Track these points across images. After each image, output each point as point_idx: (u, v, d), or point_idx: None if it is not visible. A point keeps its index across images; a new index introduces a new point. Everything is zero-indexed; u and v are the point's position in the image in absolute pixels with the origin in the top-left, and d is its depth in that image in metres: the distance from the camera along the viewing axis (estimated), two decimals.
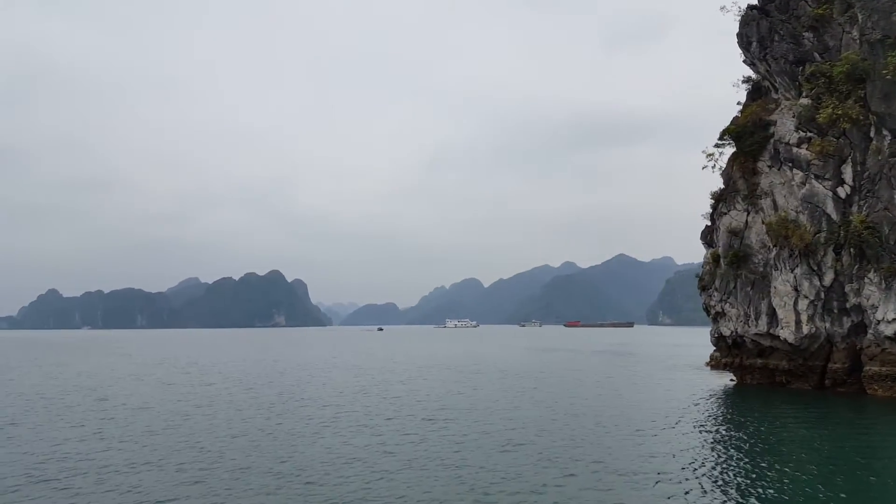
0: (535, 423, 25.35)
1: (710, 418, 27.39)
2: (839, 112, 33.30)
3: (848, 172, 33.54)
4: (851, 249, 33.01)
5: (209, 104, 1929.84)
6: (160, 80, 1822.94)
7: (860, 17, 34.30)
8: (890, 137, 32.05)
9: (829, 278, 33.78)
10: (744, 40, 39.31)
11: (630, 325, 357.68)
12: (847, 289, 33.30)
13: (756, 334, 37.54)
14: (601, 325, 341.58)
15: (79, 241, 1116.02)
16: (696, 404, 31.65)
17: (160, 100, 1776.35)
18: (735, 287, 39.17)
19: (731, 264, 38.98)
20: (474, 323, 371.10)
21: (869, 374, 32.24)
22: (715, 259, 41.13)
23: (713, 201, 41.88)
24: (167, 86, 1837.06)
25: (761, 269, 37.39)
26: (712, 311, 41.69)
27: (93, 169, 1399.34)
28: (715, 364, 53.89)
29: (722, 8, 40.18)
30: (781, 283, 35.51)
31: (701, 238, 43.99)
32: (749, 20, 39.00)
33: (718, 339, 42.04)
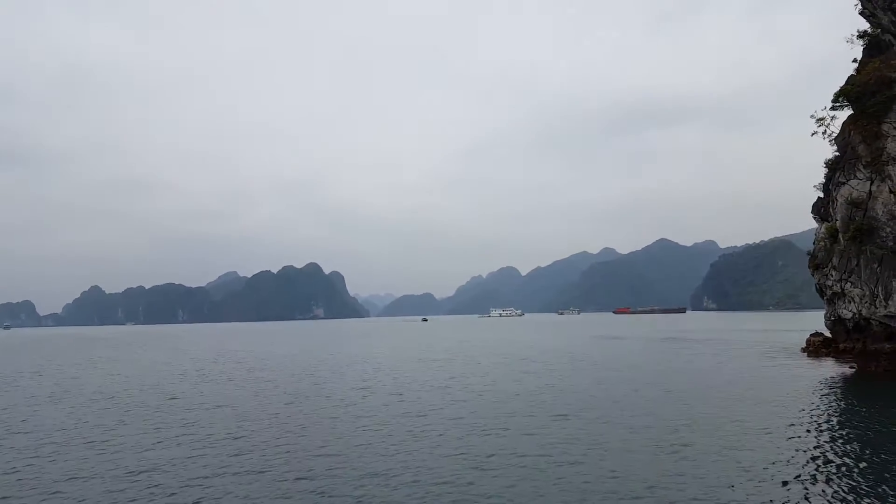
0: (672, 420, 22.31)
1: (845, 412, 23.68)
2: None
3: None
4: None
5: (244, 103, 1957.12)
6: (195, 80, 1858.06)
7: None
8: None
9: None
10: None
11: (682, 310, 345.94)
12: None
13: (886, 316, 33.68)
14: (652, 312, 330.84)
15: (120, 240, 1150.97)
16: (824, 396, 27.63)
17: (197, 100, 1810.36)
18: (858, 264, 35.28)
19: (853, 239, 35.09)
20: (519, 312, 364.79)
21: None
22: (831, 234, 37.24)
23: (827, 170, 37.88)
24: (202, 86, 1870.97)
25: (891, 243, 33.43)
26: (828, 292, 37.86)
27: (134, 170, 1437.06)
28: (813, 350, 49.84)
29: None
30: None
31: (812, 211, 40.07)
32: None
33: (835, 323, 38.18)
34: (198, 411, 26.71)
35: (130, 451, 19.15)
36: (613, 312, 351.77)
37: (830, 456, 16.90)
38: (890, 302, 33.18)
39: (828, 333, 52.18)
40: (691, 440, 18.88)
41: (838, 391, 29.74)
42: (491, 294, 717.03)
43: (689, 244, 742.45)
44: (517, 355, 55.35)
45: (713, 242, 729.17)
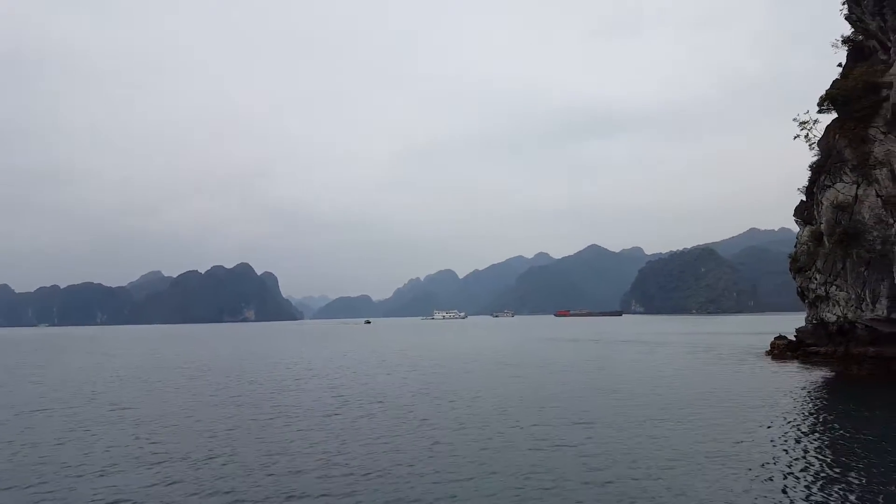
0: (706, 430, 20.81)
1: (834, 417, 23.28)
2: None
3: None
4: None
5: (179, 93, 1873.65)
6: (126, 64, 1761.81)
7: None
8: None
9: None
10: None
11: (619, 313, 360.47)
12: None
13: (872, 319, 33.81)
14: (590, 314, 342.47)
15: (32, 234, 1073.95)
16: (811, 401, 27.41)
17: (128, 85, 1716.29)
18: (844, 268, 35.37)
19: (839, 243, 35.12)
20: (463, 314, 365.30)
21: None
22: (815, 237, 37.28)
23: (810, 174, 37.96)
24: (134, 70, 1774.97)
25: (878, 247, 33.59)
26: (811, 296, 37.90)
27: (48, 158, 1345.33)
28: (779, 354, 50.46)
29: None
30: None
31: (795, 214, 40.13)
32: None
33: (817, 327, 38.26)
34: (153, 425, 23.13)
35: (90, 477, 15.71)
36: (555, 315, 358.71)
37: (832, 458, 16.91)
38: (877, 305, 33.30)
39: (791, 336, 53.08)
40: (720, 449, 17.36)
41: (831, 394, 29.53)
42: (429, 297, 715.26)
43: (617, 250, 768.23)
44: (490, 360, 53.53)
45: (640, 249, 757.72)
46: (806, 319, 39.55)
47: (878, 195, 33.89)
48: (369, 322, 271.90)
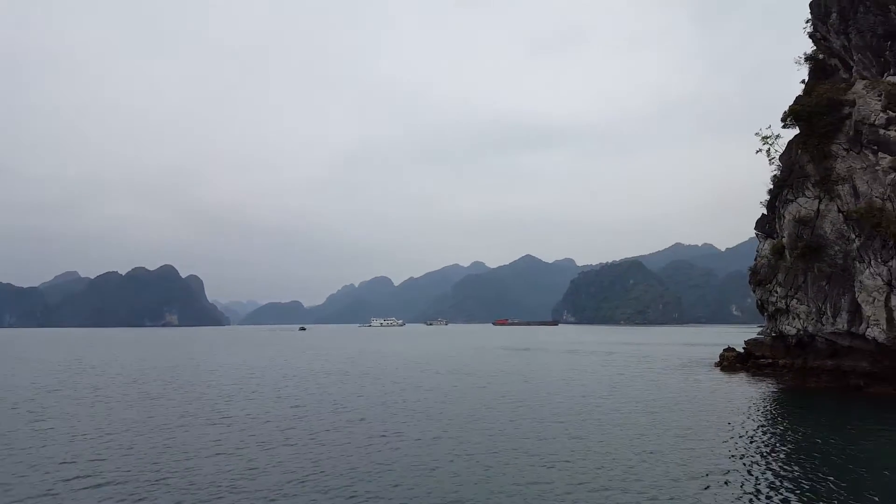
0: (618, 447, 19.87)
1: (804, 431, 23.44)
2: None
3: None
4: None
5: (106, 89, 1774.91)
6: (47, 60, 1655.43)
7: None
8: None
9: None
10: (821, 10, 36.10)
11: (555, 323, 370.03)
12: None
13: (833, 333, 34.30)
14: (528, 324, 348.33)
15: None
16: (771, 413, 27.98)
17: (46, 79, 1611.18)
18: (805, 281, 35.82)
19: (801, 257, 35.55)
20: (401, 321, 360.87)
21: None
22: (777, 251, 37.68)
23: (772, 188, 38.44)
24: (55, 67, 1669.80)
25: (840, 261, 34.16)
26: (770, 308, 38.26)
27: None
28: (728, 366, 51.19)
29: None
30: (869, 278, 32.32)
31: (756, 228, 40.53)
32: None
33: (776, 339, 38.66)
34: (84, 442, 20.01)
35: None
36: (493, 324, 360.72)
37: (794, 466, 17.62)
38: (838, 319, 33.79)
39: (740, 348, 54.04)
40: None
41: (789, 406, 29.80)
42: (363, 304, 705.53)
43: (550, 261, 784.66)
44: (450, 370, 51.69)
45: (572, 260, 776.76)
46: (765, 331, 39.92)
47: (839, 211, 34.50)
48: (304, 329, 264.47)
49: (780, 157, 38.96)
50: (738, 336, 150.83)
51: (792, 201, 36.88)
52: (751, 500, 14.29)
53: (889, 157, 32.40)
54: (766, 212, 39.86)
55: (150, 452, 19.13)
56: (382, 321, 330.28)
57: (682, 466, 17.34)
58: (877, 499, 14.18)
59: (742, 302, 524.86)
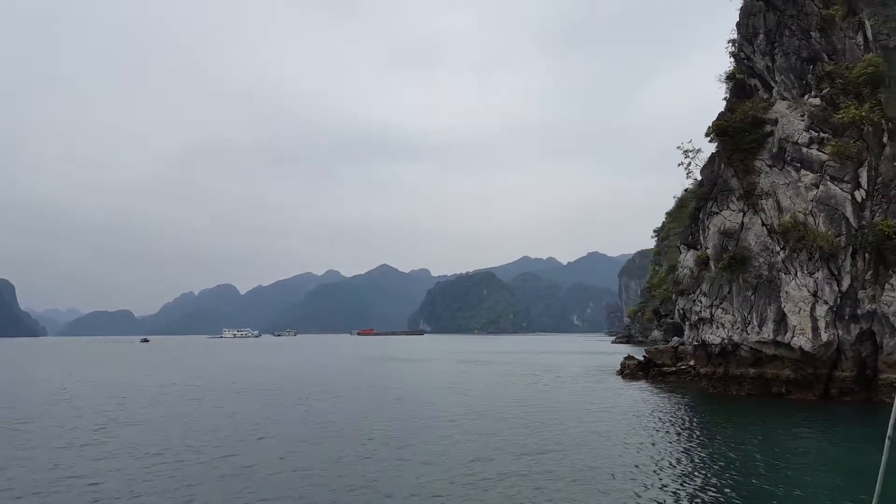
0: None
1: (733, 435, 24.60)
2: (862, 114, 32.64)
3: (864, 176, 33.03)
4: (866, 255, 32.46)
5: None
6: None
7: (868, 23, 34.41)
8: None
9: (846, 283, 32.78)
10: (749, 31, 37.46)
11: (421, 332, 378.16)
12: (861, 295, 32.60)
13: (758, 342, 35.33)
14: (394, 333, 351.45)
15: None
16: (693, 421, 28.73)
17: None
18: (730, 292, 36.71)
19: (727, 268, 36.39)
20: (256, 332, 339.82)
21: (888, 382, 31.66)
22: (701, 262, 38.37)
23: (696, 200, 39.24)
24: None
25: (765, 272, 35.35)
26: (693, 318, 38.86)
27: None
28: (630, 374, 52.18)
29: None
30: (795, 288, 33.68)
31: (680, 240, 41.12)
32: (755, 11, 37.29)
33: (697, 348, 39.31)
34: None
35: None
36: (358, 334, 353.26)
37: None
38: (764, 328, 34.86)
39: (640, 357, 55.41)
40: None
41: (714, 415, 29.87)
42: (204, 313, 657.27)
43: (406, 271, 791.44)
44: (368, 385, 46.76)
45: (427, 270, 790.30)
46: (687, 340, 40.61)
47: (763, 224, 35.78)
48: (147, 340, 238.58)
49: (702, 171, 40.00)
50: (598, 344, 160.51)
51: (716, 213, 37.78)
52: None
53: (811, 174, 34.06)
54: (689, 223, 40.66)
55: None
56: (236, 332, 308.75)
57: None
58: (800, 495, 15.27)
59: (582, 313, 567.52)
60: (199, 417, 29.38)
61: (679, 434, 24.89)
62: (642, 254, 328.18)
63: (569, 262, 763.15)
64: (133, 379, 52.86)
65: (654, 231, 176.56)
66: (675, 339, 57.13)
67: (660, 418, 28.90)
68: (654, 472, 17.99)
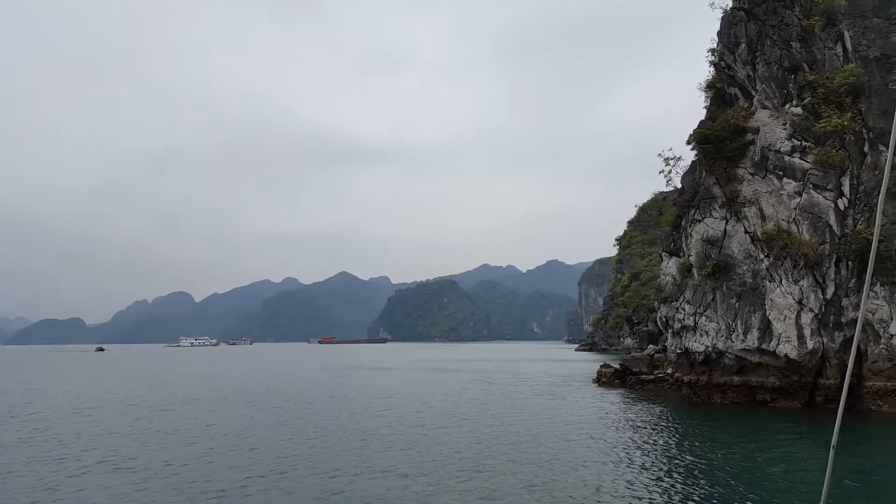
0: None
1: (721, 442, 24.79)
2: (844, 123, 32.94)
3: (846, 185, 33.32)
4: (850, 262, 32.69)
5: None
6: None
7: (847, 34, 34.88)
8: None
9: (830, 291, 32.93)
10: (731, 40, 37.52)
11: (384, 340, 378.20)
12: (845, 302, 32.79)
13: (743, 350, 35.18)
14: (357, 342, 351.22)
15: None
16: (679, 430, 28.43)
17: None
18: (714, 299, 36.53)
19: (710, 275, 36.23)
20: (214, 341, 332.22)
21: (874, 390, 31.82)
22: (684, 269, 38.13)
23: (678, 208, 39.05)
24: None
25: (749, 280, 35.29)
26: (676, 325, 38.57)
27: None
28: (606, 381, 51.81)
29: (711, 4, 38.08)
30: (780, 296, 33.69)
31: (662, 248, 40.84)
32: (736, 20, 37.39)
33: (680, 356, 39.01)
34: None
35: None
36: (319, 342, 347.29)
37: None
38: (748, 336, 34.74)
39: (616, 365, 55.11)
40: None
41: (701, 424, 29.53)
42: (158, 321, 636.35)
43: (366, 278, 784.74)
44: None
45: (387, 278, 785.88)
46: (670, 348, 40.29)
47: (746, 231, 35.76)
48: (102, 349, 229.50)
49: (683, 179, 39.89)
50: (561, 351, 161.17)
51: (699, 221, 37.64)
52: None
53: (794, 183, 34.21)
54: (667, 229, 40.46)
55: None
56: (194, 340, 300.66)
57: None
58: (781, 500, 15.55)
59: (542, 320, 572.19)
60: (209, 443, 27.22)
61: (667, 443, 24.85)
62: (601, 262, 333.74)
63: (528, 270, 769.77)
64: (95, 391, 49.59)
65: (616, 240, 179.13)
66: (651, 346, 57.16)
67: (645, 428, 28.54)
68: (648, 481, 17.98)
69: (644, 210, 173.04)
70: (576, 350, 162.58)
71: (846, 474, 18.26)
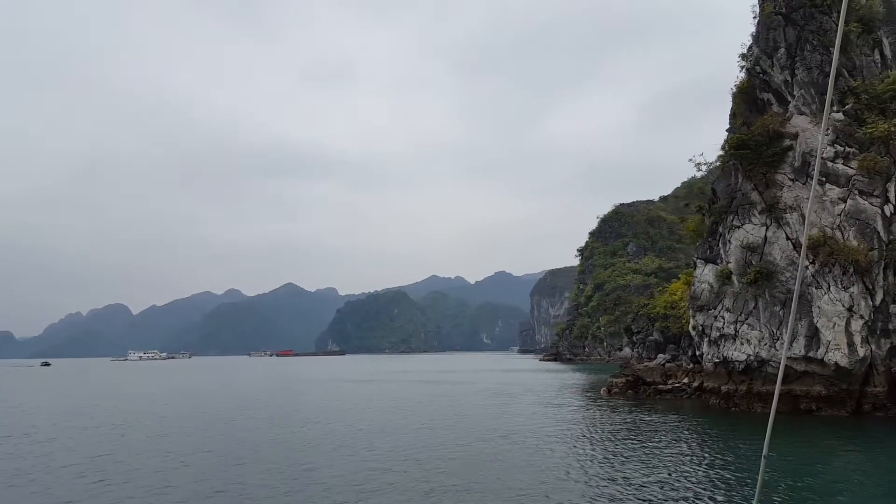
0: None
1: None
2: (891, 129, 32.83)
3: (892, 191, 33.19)
4: None
5: None
6: None
7: (886, 41, 35.04)
8: None
9: (878, 298, 32.60)
10: (769, 45, 37.12)
11: (342, 353, 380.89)
12: (892, 309, 32.50)
13: (788, 358, 34.41)
14: (315, 354, 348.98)
15: None
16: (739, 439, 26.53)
17: None
18: (756, 307, 35.73)
19: (752, 282, 35.45)
20: (163, 354, 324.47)
21: None
22: (723, 276, 37.24)
23: (714, 214, 38.21)
24: None
25: (792, 286, 34.64)
26: (714, 334, 37.58)
27: None
28: (617, 391, 50.59)
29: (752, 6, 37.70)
30: (829, 303, 33.11)
31: (697, 255, 39.86)
32: (774, 25, 37.03)
33: (717, 365, 38.02)
34: None
35: None
36: (277, 355, 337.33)
37: None
38: (794, 344, 34.01)
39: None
40: None
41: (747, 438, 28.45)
42: (94, 334, 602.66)
43: (313, 290, 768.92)
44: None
45: (334, 289, 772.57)
46: (707, 358, 39.24)
47: (788, 238, 35.19)
48: (48, 364, 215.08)
49: (716, 184, 39.20)
50: (522, 361, 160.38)
51: (738, 227, 36.92)
52: None
53: (838, 189, 33.86)
54: (706, 237, 39.61)
55: None
56: (143, 354, 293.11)
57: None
58: None
59: (491, 331, 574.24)
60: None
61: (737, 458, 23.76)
62: (553, 273, 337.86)
63: (477, 282, 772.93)
64: (44, 406, 44.49)
65: (578, 250, 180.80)
66: (661, 356, 56.39)
67: (698, 443, 27.07)
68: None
69: (605, 221, 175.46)
70: (540, 360, 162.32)
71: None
